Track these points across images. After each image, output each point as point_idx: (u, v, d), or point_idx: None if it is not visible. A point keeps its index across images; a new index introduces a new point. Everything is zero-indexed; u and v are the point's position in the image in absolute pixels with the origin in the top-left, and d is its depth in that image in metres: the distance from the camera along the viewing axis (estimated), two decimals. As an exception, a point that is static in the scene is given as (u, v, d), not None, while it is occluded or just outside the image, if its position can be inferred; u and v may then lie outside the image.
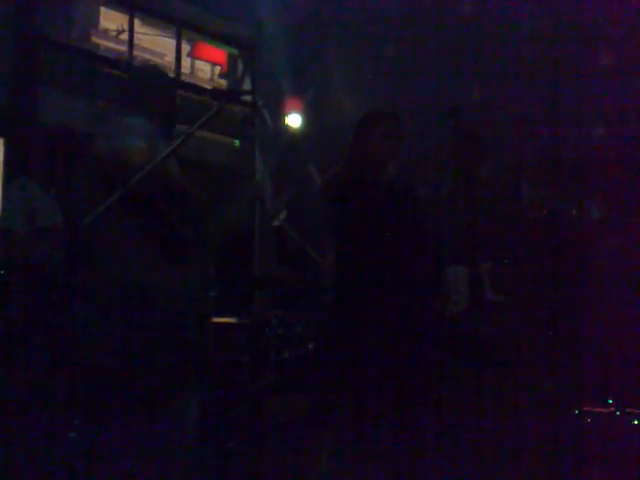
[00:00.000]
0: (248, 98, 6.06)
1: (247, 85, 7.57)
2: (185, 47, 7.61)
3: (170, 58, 7.45)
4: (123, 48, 7.12)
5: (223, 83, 8.07)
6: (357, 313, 3.20)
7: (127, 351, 2.54)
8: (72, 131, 4.33)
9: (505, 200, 4.67)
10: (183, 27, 7.46)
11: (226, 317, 4.40)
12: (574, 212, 5.48)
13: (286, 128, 6.60)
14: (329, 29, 7.58)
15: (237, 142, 7.11)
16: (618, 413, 4.04)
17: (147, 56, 7.23)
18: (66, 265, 3.27)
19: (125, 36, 7.15)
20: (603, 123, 5.43)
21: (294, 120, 6.55)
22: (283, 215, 5.11)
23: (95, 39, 7.18)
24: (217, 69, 8.14)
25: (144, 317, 2.57)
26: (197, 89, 6.88)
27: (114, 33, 7.29)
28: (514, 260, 4.24)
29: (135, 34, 7.13)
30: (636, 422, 3.98)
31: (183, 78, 7.48)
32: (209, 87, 7.63)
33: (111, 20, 7.28)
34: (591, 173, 5.45)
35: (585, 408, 4.20)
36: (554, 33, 5.67)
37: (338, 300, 3.34)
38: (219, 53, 7.98)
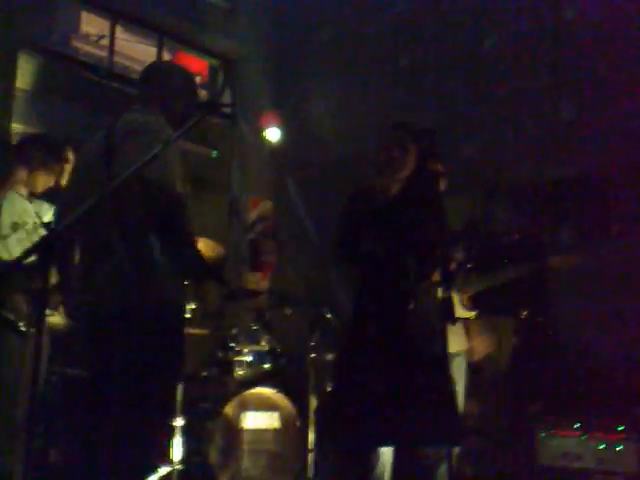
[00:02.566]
0: (228, 110, 6.06)
1: (227, 97, 7.57)
2: (166, 56, 7.59)
3: (151, 66, 7.39)
4: (103, 54, 7.07)
5: (203, 93, 8.05)
6: (368, 331, 3.14)
7: (101, 359, 2.51)
8: (49, 135, 4.31)
9: (474, 224, 4.70)
10: (165, 36, 7.44)
11: (200, 329, 4.37)
12: (545, 237, 5.56)
13: (265, 141, 6.59)
14: (310, 43, 7.63)
15: (215, 153, 7.10)
16: (584, 437, 4.08)
17: (127, 63, 7.19)
18: (40, 268, 3.22)
19: (106, 41, 7.10)
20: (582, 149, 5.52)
21: (273, 134, 6.53)
22: (259, 228, 5.10)
23: (75, 43, 7.13)
24: (197, 79, 8.13)
25: (118, 327, 2.55)
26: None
27: (95, 38, 7.24)
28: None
29: (116, 40, 7.09)
30: (602, 447, 4.02)
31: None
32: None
33: (92, 25, 7.23)
34: (565, 200, 5.53)
35: (552, 432, 4.24)
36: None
37: (354, 317, 3.28)
38: (200, 63, 7.97)
